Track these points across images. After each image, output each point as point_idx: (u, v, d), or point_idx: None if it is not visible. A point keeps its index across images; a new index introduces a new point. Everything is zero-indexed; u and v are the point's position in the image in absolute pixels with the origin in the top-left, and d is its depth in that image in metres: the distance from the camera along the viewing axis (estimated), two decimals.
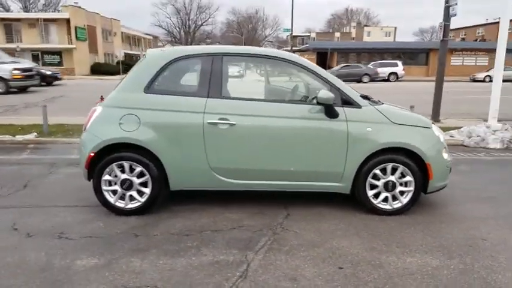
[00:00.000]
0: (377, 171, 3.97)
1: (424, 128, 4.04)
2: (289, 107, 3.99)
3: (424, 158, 3.94)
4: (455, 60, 43.44)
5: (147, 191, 3.98)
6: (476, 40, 52.60)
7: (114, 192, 4.00)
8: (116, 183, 3.97)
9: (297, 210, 4.18)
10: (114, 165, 3.92)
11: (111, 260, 3.13)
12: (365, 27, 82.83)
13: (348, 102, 3.95)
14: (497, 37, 8.96)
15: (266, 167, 3.98)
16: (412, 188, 4.01)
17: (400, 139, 3.93)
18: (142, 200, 3.99)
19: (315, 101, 3.94)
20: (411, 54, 43.71)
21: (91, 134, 3.94)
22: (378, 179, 4.00)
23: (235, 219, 3.95)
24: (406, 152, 3.95)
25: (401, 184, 4.01)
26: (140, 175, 3.96)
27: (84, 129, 4.03)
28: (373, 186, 4.02)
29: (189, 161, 3.93)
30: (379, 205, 4.05)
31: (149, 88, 3.97)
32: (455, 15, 11.54)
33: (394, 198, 4.04)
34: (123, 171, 3.95)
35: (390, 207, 4.05)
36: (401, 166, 3.96)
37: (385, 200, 4.05)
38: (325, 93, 3.78)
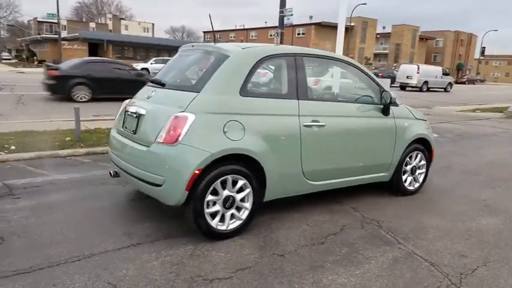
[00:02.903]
0: (408, 158, 4.76)
1: (425, 121, 5.06)
2: (358, 107, 4.27)
3: (432, 144, 4.99)
4: None
5: (247, 205, 3.49)
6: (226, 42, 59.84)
7: (213, 214, 3.33)
8: (215, 203, 3.32)
9: (361, 204, 4.51)
10: (219, 181, 3.27)
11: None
12: (121, 21, 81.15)
13: (391, 101, 4.55)
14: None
15: (342, 165, 4.15)
16: (424, 170, 5.00)
17: (422, 131, 4.84)
18: (243, 216, 3.49)
19: (375, 100, 4.36)
20: None
21: (190, 147, 3.14)
22: (406, 165, 4.79)
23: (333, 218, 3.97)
24: (422, 141, 4.88)
25: (418, 168, 4.94)
26: (240, 189, 3.44)
27: (172, 142, 3.15)
28: (404, 172, 4.79)
29: (287, 167, 3.69)
30: (408, 187, 4.85)
31: (243, 90, 3.47)
32: (291, 24, 13.45)
33: (415, 180, 4.93)
34: (224, 188, 3.35)
35: (413, 188, 4.91)
36: (421, 153, 4.88)
37: (410, 183, 4.88)
38: (390, 95, 4.27)
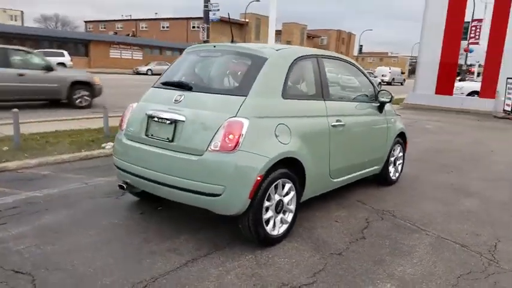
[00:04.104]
0: (392, 151, 5.18)
1: (399, 116, 5.54)
2: (363, 105, 4.50)
3: (407, 137, 5.49)
4: (113, 53, 45.53)
5: (292, 208, 3.47)
6: (128, 34, 56.53)
7: (267, 221, 3.25)
8: (268, 209, 3.24)
9: (363, 197, 4.75)
10: (273, 186, 3.20)
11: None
12: None
13: (391, 100, 4.83)
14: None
15: (354, 161, 4.35)
16: (402, 161, 5.49)
17: (402, 125, 5.31)
18: (289, 219, 3.46)
19: (372, 98, 4.65)
20: (71, 44, 42.19)
21: (249, 153, 3.01)
22: (390, 157, 5.21)
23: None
24: (401, 134, 5.34)
25: (398, 159, 5.40)
26: (287, 192, 3.41)
27: (230, 149, 2.97)
28: (389, 164, 5.19)
29: (320, 167, 3.75)
30: (392, 178, 5.28)
31: (284, 93, 3.42)
32: (218, 19, 13.30)
33: (395, 170, 5.38)
34: (275, 192, 3.28)
35: (395, 178, 5.36)
36: (400, 145, 5.35)
37: (393, 173, 5.31)
38: (391, 94, 4.59)
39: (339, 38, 77.42)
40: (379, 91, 4.67)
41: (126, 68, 40.50)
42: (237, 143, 2.97)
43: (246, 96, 3.17)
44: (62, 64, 31.58)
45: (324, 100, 3.85)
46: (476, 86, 18.86)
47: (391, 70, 49.98)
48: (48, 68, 10.32)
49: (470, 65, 45.35)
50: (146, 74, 37.60)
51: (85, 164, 5.69)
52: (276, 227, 3.33)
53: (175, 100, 3.38)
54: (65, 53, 34.26)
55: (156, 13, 65.38)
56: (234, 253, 3.16)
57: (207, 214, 3.31)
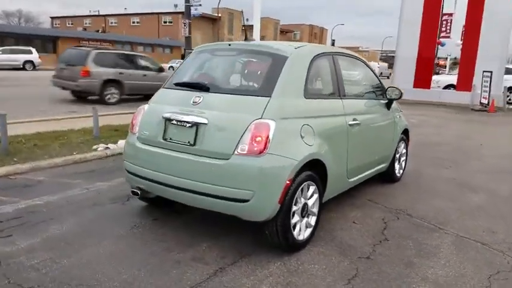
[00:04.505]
0: (397, 148, 5.17)
1: (402, 111, 5.54)
2: (373, 103, 4.44)
3: (409, 133, 5.50)
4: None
5: (315, 211, 3.38)
6: (98, 31, 54.83)
7: (294, 225, 3.14)
8: (294, 213, 3.13)
9: (372, 196, 4.71)
10: (300, 189, 3.10)
11: None
12: None
13: (400, 97, 4.79)
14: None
15: (366, 160, 4.30)
16: (405, 157, 5.50)
17: (406, 122, 5.30)
18: (312, 223, 3.37)
19: (380, 95, 4.61)
20: (38, 41, 40.58)
21: (278, 156, 2.90)
22: (398, 154, 5.20)
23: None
24: (404, 130, 5.34)
25: (402, 155, 5.40)
26: (311, 195, 3.32)
27: (258, 152, 2.85)
28: (394, 161, 5.17)
29: (339, 167, 3.67)
30: (398, 174, 5.28)
31: (306, 92, 3.32)
32: (199, 15, 13.02)
33: (400, 167, 5.38)
34: (300, 196, 3.18)
35: (399, 174, 5.36)
36: (404, 142, 5.35)
37: (398, 170, 5.30)
38: (400, 91, 4.55)
39: (312, 32, 77.94)
40: (387, 88, 4.63)
41: None
42: (265, 146, 2.85)
43: (270, 96, 3.05)
44: (31, 62, 30.53)
45: (341, 99, 3.78)
46: (452, 79, 19.35)
47: (379, 65, 55.80)
48: (160, 70, 13.40)
49: (439, 58, 47.18)
50: None
51: (79, 168, 5.42)
52: (301, 231, 3.23)
53: (193, 102, 3.22)
54: (33, 50, 32.84)
55: (125, 8, 63.64)
56: (261, 260, 3.04)
57: (224, 219, 3.19)
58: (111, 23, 63.03)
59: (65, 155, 5.75)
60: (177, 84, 3.54)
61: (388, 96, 4.61)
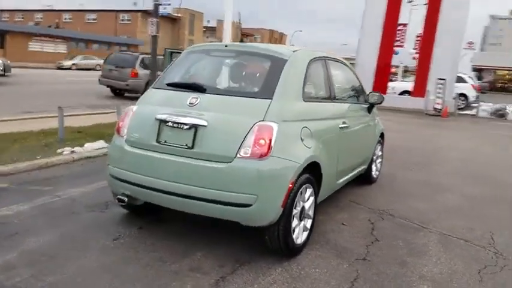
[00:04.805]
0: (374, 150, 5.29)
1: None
2: (357, 107, 4.51)
3: (384, 136, 5.65)
4: (34, 46, 41.78)
5: (311, 214, 3.36)
6: (50, 26, 51.89)
7: (293, 229, 3.10)
8: (294, 217, 3.09)
9: (354, 197, 4.76)
10: (299, 192, 3.07)
11: None
12: None
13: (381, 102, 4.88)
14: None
15: (351, 163, 4.35)
16: (381, 159, 5.64)
17: (382, 125, 5.45)
18: (308, 226, 3.35)
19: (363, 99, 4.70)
20: None
21: (281, 158, 2.85)
22: (374, 156, 5.31)
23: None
24: (381, 133, 5.48)
25: (377, 157, 5.52)
26: (308, 198, 3.30)
27: (262, 155, 2.78)
28: (373, 162, 5.29)
29: (331, 169, 3.68)
30: (374, 176, 5.39)
31: (304, 95, 3.31)
32: (167, 13, 12.73)
33: (377, 169, 5.51)
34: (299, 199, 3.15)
35: (376, 176, 5.48)
36: (380, 145, 5.49)
37: (375, 171, 5.42)
38: (382, 96, 4.66)
39: (272, 37, 78.78)
40: (369, 93, 4.73)
41: (48, 62, 37.06)
42: (269, 149, 2.79)
43: (271, 99, 2.99)
44: None
45: (333, 102, 3.81)
46: (407, 85, 20.23)
47: None
48: None
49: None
50: (70, 68, 35.09)
51: (46, 173, 5.06)
52: (299, 235, 3.19)
53: (189, 103, 3.09)
54: None
55: (81, 4, 60.76)
56: (262, 267, 2.97)
57: (213, 226, 3.11)
58: (66, 18, 59.63)
59: (27, 159, 5.34)
60: (169, 85, 3.40)
61: (369, 101, 4.70)
